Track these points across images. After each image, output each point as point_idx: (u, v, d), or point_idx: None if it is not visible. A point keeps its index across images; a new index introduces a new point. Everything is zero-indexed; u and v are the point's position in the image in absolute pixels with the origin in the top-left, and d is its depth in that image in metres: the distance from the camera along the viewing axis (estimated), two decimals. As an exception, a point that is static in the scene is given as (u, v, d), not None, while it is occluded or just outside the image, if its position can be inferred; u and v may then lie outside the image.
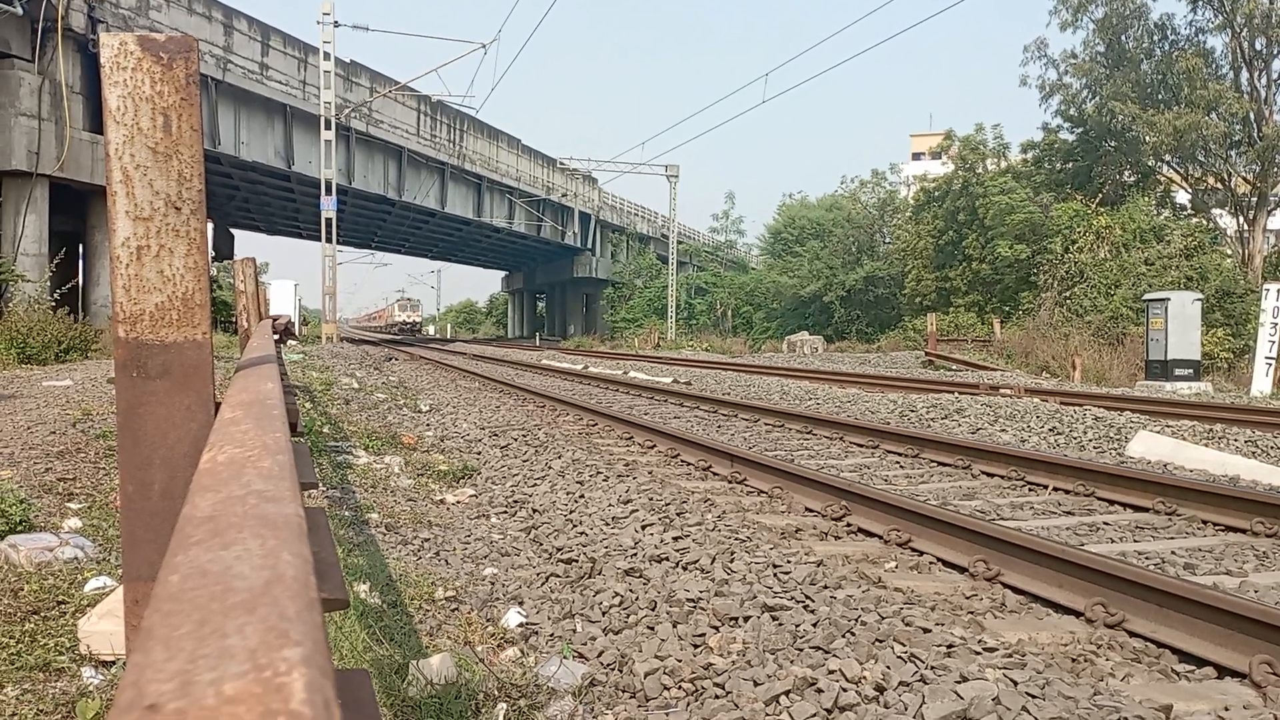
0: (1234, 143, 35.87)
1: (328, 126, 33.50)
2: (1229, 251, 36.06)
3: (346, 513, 5.85)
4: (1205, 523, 5.86)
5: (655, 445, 9.06)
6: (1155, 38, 37.53)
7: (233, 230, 50.79)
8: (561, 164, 54.23)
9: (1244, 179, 36.60)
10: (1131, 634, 3.77)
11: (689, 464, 8.03)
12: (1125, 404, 12.44)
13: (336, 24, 33.54)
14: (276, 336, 8.62)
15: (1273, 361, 17.50)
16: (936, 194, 42.69)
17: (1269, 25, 33.89)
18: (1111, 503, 6.48)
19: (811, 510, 6.13)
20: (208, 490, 0.79)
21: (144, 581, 1.31)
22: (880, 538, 5.38)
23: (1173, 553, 5.08)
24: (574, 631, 3.84)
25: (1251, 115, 34.97)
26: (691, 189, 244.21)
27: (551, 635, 3.82)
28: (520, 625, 3.92)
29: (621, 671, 3.39)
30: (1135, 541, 5.44)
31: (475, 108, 62.27)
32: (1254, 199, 36.16)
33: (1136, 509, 6.28)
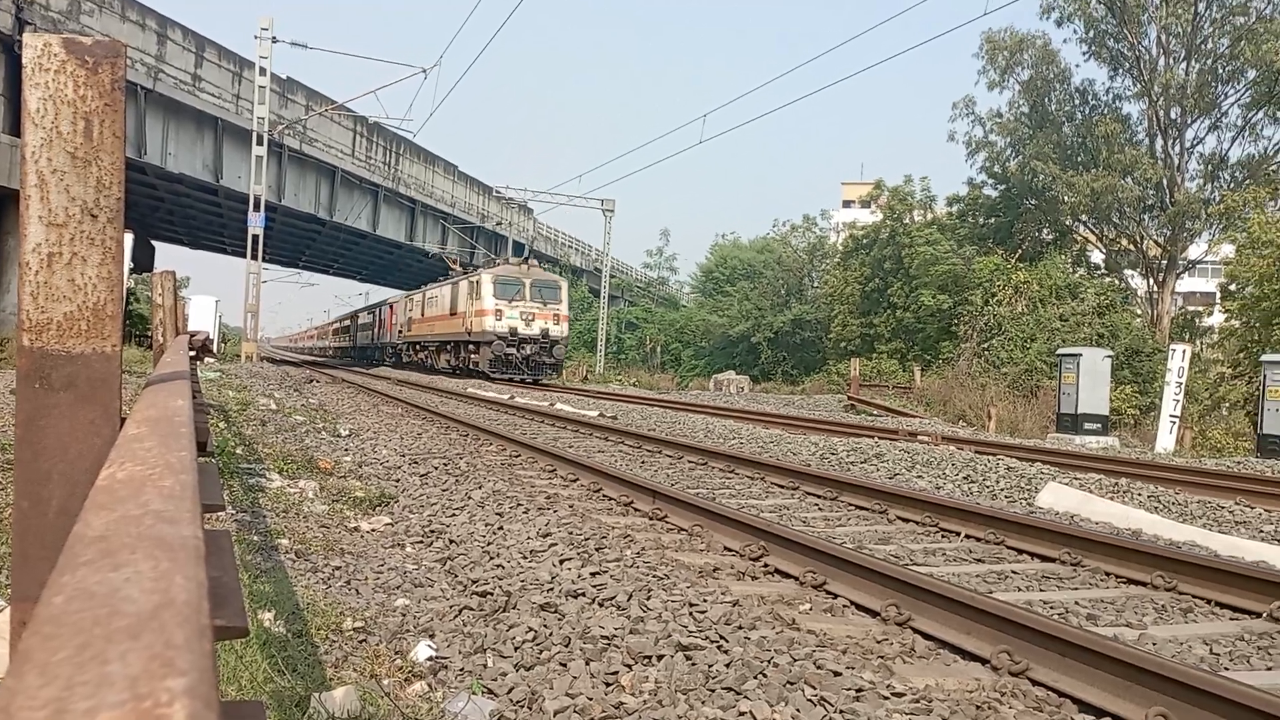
0: (1147, 207, 37.49)
1: (260, 142, 32.94)
2: (1139, 311, 37.54)
3: (255, 537, 5.69)
4: (1108, 574, 6.01)
5: (578, 479, 9.01)
6: (1077, 101, 39.18)
7: (154, 242, 49.57)
8: (498, 192, 54.08)
9: (1155, 242, 38.22)
10: (1034, 682, 3.83)
11: (611, 499, 8.00)
12: (1036, 455, 12.77)
13: (274, 39, 33.10)
14: (193, 353, 8.41)
15: (1176, 420, 18.17)
16: (864, 242, 43.71)
17: (1184, 95, 35.56)
18: (1020, 551, 6.63)
19: (730, 549, 6.15)
20: (102, 508, 0.76)
21: (34, 603, 1.26)
22: (796, 579, 5.41)
23: (1076, 603, 5.21)
24: (485, 666, 3.77)
25: (1165, 181, 36.59)
26: (627, 224, 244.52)
27: (461, 670, 3.75)
28: (430, 659, 3.84)
29: (531, 709, 3.34)
30: (1041, 590, 5.57)
31: (413, 131, 61.83)
32: (1164, 262, 37.76)
33: (1044, 558, 6.42)
